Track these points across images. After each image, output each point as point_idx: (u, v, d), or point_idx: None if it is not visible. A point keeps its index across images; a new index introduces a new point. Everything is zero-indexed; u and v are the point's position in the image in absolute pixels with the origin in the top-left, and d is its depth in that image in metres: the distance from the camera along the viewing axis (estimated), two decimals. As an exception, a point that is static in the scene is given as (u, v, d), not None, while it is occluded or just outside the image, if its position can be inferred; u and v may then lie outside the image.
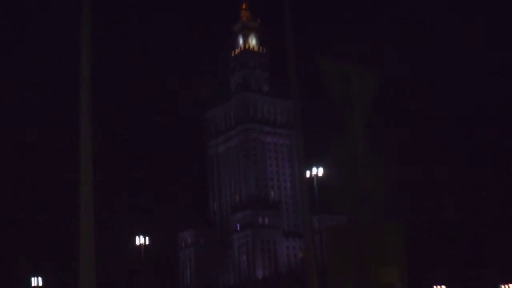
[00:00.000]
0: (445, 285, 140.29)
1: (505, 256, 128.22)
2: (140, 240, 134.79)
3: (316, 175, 73.83)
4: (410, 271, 12.58)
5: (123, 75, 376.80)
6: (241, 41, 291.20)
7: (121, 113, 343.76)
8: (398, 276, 12.43)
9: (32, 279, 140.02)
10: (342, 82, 12.89)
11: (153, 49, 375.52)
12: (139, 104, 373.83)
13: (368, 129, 12.72)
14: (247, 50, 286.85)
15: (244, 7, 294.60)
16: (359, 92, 12.78)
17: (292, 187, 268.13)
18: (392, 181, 12.73)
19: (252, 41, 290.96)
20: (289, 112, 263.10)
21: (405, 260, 12.33)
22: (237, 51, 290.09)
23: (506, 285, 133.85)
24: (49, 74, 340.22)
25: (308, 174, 73.10)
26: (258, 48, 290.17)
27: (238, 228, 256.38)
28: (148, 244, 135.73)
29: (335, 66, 12.95)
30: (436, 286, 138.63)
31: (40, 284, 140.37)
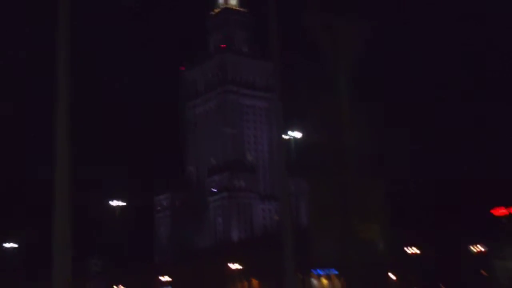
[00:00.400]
0: (416, 247, 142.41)
1: (474, 217, 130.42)
2: (115, 203, 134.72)
3: (293, 138, 74.20)
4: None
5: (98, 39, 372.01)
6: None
7: (98, 73, 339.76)
8: (380, 232, 12.58)
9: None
10: (327, 35, 12.74)
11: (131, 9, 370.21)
12: (116, 61, 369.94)
13: (353, 86, 12.71)
14: (227, 9, 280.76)
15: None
16: (346, 46, 12.68)
17: (269, 150, 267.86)
18: (377, 140, 12.78)
19: (233, 0, 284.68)
20: (269, 74, 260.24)
21: (387, 217, 12.47)
22: (216, 10, 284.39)
23: (474, 246, 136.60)
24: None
25: (286, 137, 73.44)
26: (239, 8, 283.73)
27: (214, 191, 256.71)
28: (124, 207, 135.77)
29: (319, 17, 12.78)
30: (407, 247, 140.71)
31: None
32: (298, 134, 73.72)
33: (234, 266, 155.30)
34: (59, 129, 13.48)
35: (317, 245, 12.57)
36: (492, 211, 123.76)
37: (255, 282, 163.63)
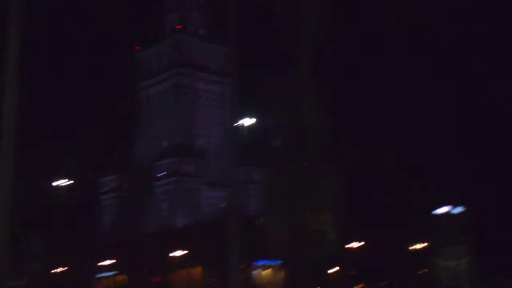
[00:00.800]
0: (360, 242, 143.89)
1: (416, 215, 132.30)
2: (60, 182, 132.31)
3: (247, 125, 73.36)
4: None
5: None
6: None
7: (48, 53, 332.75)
8: (333, 223, 12.02)
9: None
10: (290, 10, 12.07)
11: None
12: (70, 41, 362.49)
13: (315, 66, 12.10)
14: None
15: None
16: (310, 22, 12.03)
17: (221, 136, 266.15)
18: (336, 124, 12.22)
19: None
20: (225, 58, 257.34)
21: (341, 207, 11.92)
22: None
23: (416, 244, 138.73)
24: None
25: (238, 124, 72.34)
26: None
27: (162, 175, 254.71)
28: (70, 187, 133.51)
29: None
30: (352, 242, 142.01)
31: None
32: (251, 121, 72.74)
33: (179, 252, 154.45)
34: (5, 125, 12.91)
35: (267, 235, 12.04)
36: (434, 211, 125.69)
37: (199, 269, 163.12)
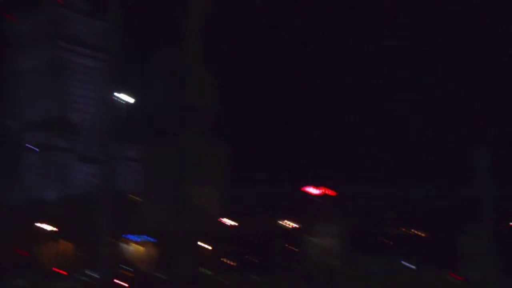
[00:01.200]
0: (231, 220, 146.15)
1: (288, 193, 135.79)
2: None
3: (124, 101, 72.05)
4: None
5: None
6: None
7: None
8: (215, 197, 12.03)
9: None
10: None
11: None
12: None
13: (202, 37, 11.95)
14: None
15: None
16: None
17: (96, 112, 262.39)
18: (221, 98, 12.20)
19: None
20: (104, 33, 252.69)
21: (224, 182, 11.96)
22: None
23: (287, 222, 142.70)
24: None
25: (115, 99, 70.71)
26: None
27: (32, 148, 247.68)
28: None
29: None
30: (224, 218, 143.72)
31: None
32: (128, 98, 71.66)
33: (47, 226, 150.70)
34: None
35: (144, 210, 11.84)
36: (304, 189, 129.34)
37: (67, 244, 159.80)
